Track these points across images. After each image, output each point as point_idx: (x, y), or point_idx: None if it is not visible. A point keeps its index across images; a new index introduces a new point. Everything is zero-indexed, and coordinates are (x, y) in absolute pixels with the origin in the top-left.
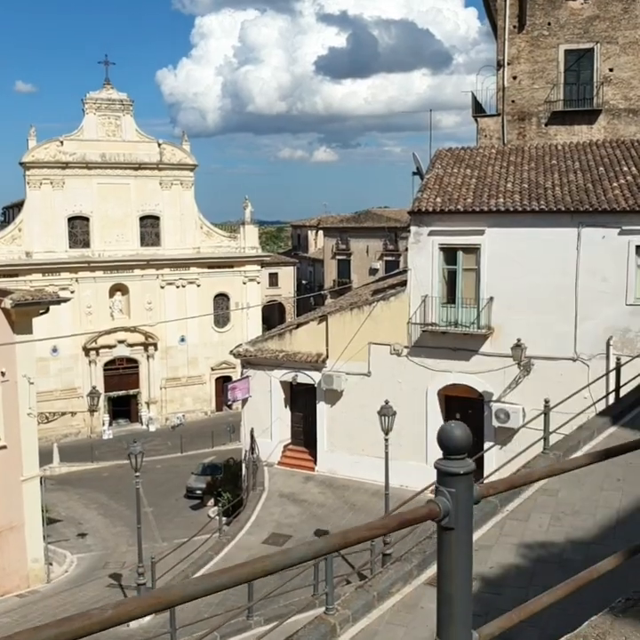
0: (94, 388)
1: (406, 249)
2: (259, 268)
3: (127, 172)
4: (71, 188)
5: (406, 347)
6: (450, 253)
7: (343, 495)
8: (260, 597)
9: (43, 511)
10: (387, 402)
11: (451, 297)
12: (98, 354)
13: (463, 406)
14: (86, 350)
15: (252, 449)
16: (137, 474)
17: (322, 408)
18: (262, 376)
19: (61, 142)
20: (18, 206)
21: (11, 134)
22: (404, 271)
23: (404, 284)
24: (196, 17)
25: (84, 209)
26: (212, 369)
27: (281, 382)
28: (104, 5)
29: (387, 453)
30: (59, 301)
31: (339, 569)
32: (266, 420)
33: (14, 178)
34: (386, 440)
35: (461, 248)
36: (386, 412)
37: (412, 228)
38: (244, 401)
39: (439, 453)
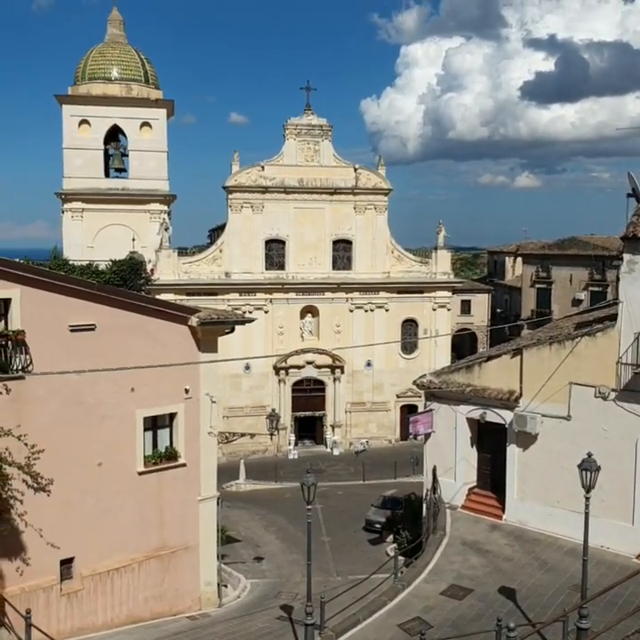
0: (274, 411)
1: (617, 279)
2: (450, 294)
3: (323, 196)
4: (269, 211)
5: (614, 389)
6: None
7: (533, 550)
8: None
9: (218, 532)
10: (590, 454)
11: None
12: (287, 373)
13: None
14: (276, 369)
15: (434, 488)
16: (309, 507)
17: (512, 451)
18: (447, 410)
19: (262, 167)
20: (221, 229)
21: (225, 163)
22: (614, 303)
23: (613, 317)
24: (401, 46)
25: (281, 232)
26: (398, 396)
27: (467, 419)
28: (311, 38)
29: (587, 513)
30: (243, 321)
31: None
32: (450, 458)
33: (220, 202)
34: (587, 498)
35: None
36: (588, 467)
37: (626, 256)
38: (427, 436)
39: None
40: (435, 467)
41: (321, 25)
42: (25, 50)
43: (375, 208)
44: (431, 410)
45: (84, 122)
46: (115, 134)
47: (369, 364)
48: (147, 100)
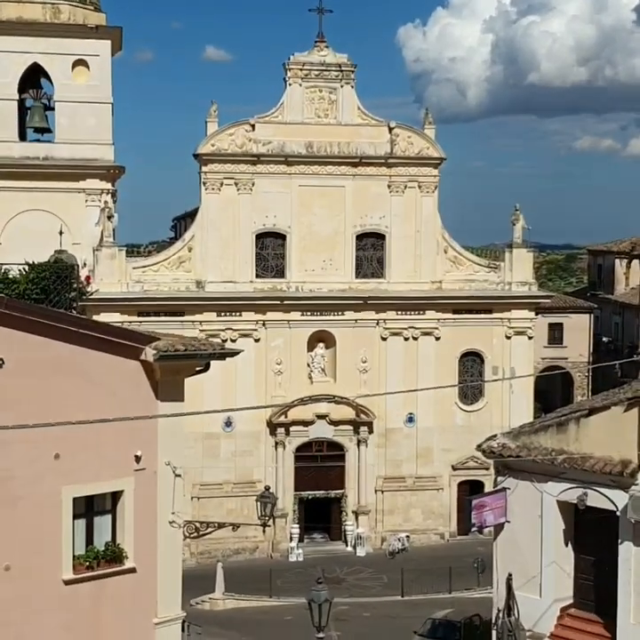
0: (268, 489)
1: None
2: (532, 314)
3: (342, 168)
4: (262, 191)
5: None
6: None
7: None
8: None
9: None
10: None
11: None
12: (288, 433)
13: None
14: (272, 426)
15: (509, 607)
16: (320, 635)
17: (628, 551)
18: (528, 490)
19: (252, 126)
20: (190, 217)
21: (197, 120)
22: None
23: None
24: None
25: (280, 222)
26: (454, 468)
27: (559, 503)
28: None
29: None
30: (224, 354)
31: None
32: (532, 562)
33: (191, 178)
34: None
35: None
36: None
37: None
38: (498, 528)
39: None
40: (510, 576)
41: None
42: None
43: (420, 186)
44: (504, 489)
45: None
46: (34, 77)
47: (411, 419)
48: (82, 28)
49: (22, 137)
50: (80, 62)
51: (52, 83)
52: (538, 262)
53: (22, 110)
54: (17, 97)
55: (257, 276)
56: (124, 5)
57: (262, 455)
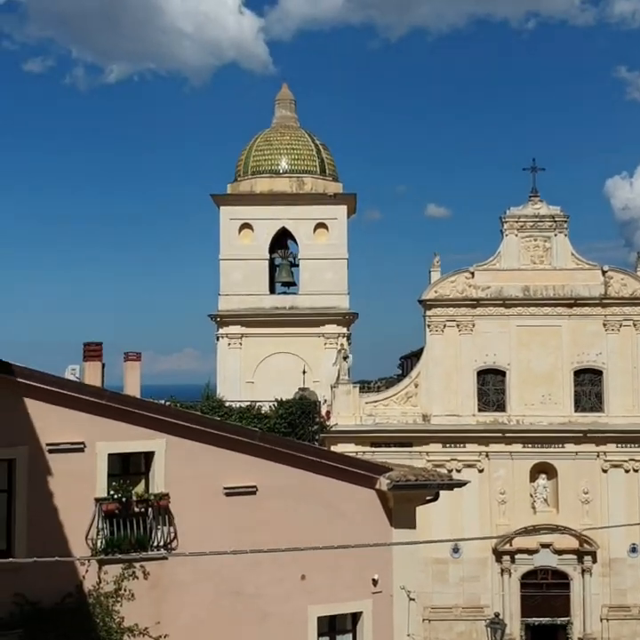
0: (497, 615)
1: None
2: None
3: (558, 309)
4: (482, 331)
5: None
6: None
7: None
8: None
9: None
10: None
11: None
12: (513, 560)
13: None
14: (498, 554)
15: None
16: None
17: None
18: None
19: (471, 274)
20: (416, 356)
21: (421, 269)
22: None
23: None
24: None
25: (499, 359)
26: None
27: None
28: (531, 102)
29: None
30: (451, 485)
31: None
32: None
33: (415, 321)
34: None
35: None
36: None
37: None
38: None
39: None
40: None
41: (543, 86)
42: (174, 140)
43: (635, 324)
44: None
45: (245, 226)
46: (282, 240)
47: (634, 550)
48: (323, 196)
49: (272, 290)
50: (321, 225)
51: (297, 243)
52: None
53: (272, 268)
54: (268, 257)
55: (479, 409)
56: (356, 174)
57: (489, 581)
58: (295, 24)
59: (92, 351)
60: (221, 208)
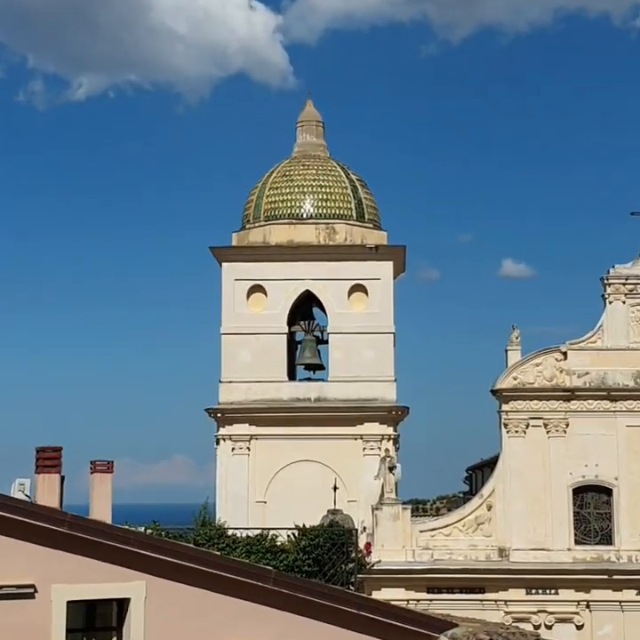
0: None
1: None
2: None
3: None
4: (579, 433)
5: None
6: None
7: None
8: None
9: None
10: None
11: None
12: None
13: None
14: None
15: None
16: None
17: None
18: None
19: (563, 354)
20: (488, 466)
21: (495, 347)
22: None
23: None
24: None
25: (603, 472)
26: None
27: None
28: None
29: None
30: None
31: None
32: None
33: (488, 419)
34: None
35: None
36: None
37: None
38: None
39: None
40: None
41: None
42: (163, 175)
43: None
44: None
45: (256, 289)
46: (306, 308)
47: None
48: (361, 249)
49: (291, 376)
50: (357, 287)
51: (325, 312)
52: None
53: (292, 345)
54: (286, 330)
55: (576, 541)
56: (406, 219)
57: None
58: (323, 22)
59: (48, 459)
60: (224, 265)
